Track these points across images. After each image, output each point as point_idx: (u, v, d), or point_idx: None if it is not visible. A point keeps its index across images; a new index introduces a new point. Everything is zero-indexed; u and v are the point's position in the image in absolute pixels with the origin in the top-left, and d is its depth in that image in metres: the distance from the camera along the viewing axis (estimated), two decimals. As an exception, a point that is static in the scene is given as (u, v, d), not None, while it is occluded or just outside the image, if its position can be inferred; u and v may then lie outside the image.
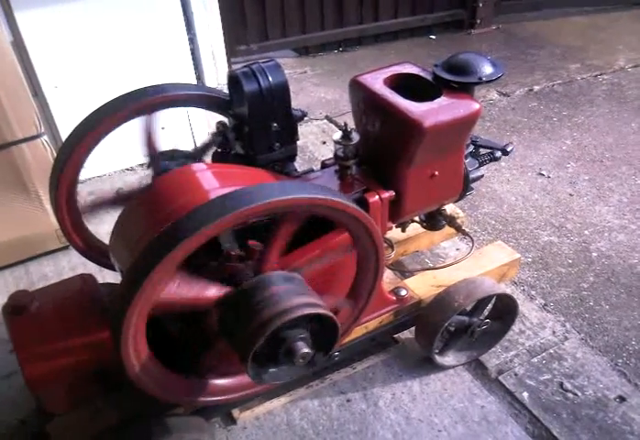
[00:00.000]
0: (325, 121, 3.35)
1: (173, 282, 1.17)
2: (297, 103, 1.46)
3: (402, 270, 2.11)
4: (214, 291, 1.23)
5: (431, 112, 1.44)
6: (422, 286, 1.82)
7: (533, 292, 2.20)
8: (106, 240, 1.50)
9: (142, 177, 2.72)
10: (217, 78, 3.44)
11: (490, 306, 1.84)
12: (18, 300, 1.46)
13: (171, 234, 1.10)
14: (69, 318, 1.44)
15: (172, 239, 1.08)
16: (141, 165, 2.93)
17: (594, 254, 2.38)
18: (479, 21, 4.42)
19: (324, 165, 1.65)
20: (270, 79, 1.39)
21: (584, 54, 4.06)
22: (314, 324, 1.22)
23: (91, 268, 1.90)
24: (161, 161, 1.51)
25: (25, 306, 1.44)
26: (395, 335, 1.93)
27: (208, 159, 1.62)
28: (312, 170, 1.64)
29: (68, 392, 1.39)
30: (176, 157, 1.55)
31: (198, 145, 1.64)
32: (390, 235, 1.92)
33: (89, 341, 1.39)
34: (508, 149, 1.78)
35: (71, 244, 1.61)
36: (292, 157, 1.55)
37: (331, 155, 1.62)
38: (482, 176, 1.77)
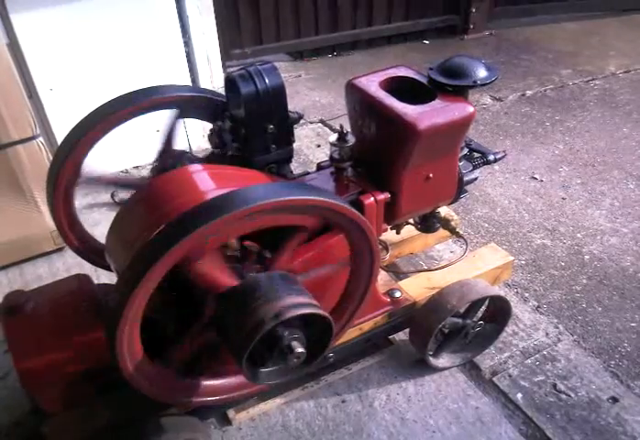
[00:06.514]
0: (320, 124, 3.37)
1: (207, 255, 1.17)
2: (292, 106, 1.47)
3: (397, 272, 2.12)
4: (228, 279, 1.24)
5: (426, 114, 1.45)
6: (416, 288, 1.83)
7: (526, 294, 2.21)
8: (102, 241, 1.51)
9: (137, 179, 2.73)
10: (212, 81, 3.44)
11: (483, 308, 1.85)
12: (14, 300, 1.46)
13: (167, 234, 1.11)
14: (64, 318, 1.44)
15: (169, 239, 1.08)
16: (136, 167, 2.94)
17: (587, 257, 2.40)
18: (472, 26, 4.46)
19: (319, 167, 1.66)
20: (267, 81, 1.40)
21: (576, 60, 4.10)
22: (308, 324, 1.23)
23: (86, 269, 1.90)
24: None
25: (20, 306, 1.44)
26: (390, 337, 1.94)
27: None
28: (307, 173, 1.65)
29: (63, 392, 1.39)
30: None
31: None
32: (384, 237, 1.92)
33: (84, 341, 1.40)
34: (497, 157, 1.80)
35: (68, 244, 1.61)
36: (288, 159, 1.55)
37: (326, 158, 1.63)
38: (476, 179, 1.78)
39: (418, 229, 1.89)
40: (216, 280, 1.22)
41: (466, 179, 1.72)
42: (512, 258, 1.99)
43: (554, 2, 4.68)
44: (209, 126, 1.59)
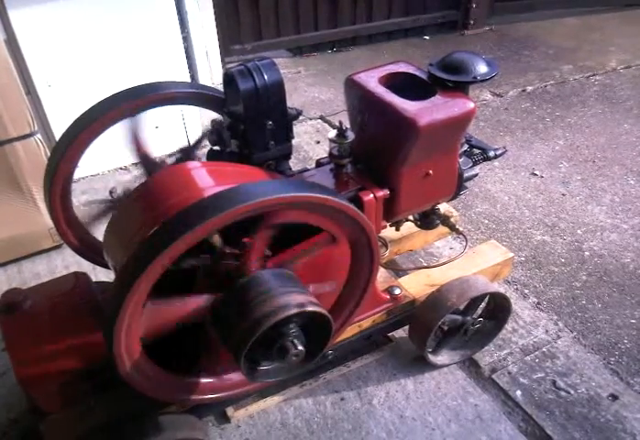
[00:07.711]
0: (320, 121, 3.36)
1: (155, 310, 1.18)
2: (291, 102, 1.46)
3: (396, 269, 2.11)
4: (204, 300, 1.24)
5: (426, 110, 1.45)
6: (415, 285, 1.83)
7: (526, 291, 2.21)
8: (100, 238, 1.50)
9: (136, 176, 2.72)
10: (212, 77, 3.44)
11: (483, 305, 1.85)
12: (11, 298, 1.45)
13: (165, 231, 1.10)
14: (61, 316, 1.44)
15: (167, 237, 1.08)
16: (135, 164, 2.93)
17: (587, 253, 2.39)
18: (472, 22, 4.45)
19: (319, 164, 1.66)
20: (266, 77, 1.39)
21: (576, 55, 4.09)
22: (307, 322, 1.22)
23: (84, 267, 1.89)
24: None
25: (18, 304, 1.44)
26: (389, 334, 1.93)
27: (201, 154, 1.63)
28: (306, 169, 1.64)
29: (60, 391, 1.38)
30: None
31: (191, 141, 1.64)
32: (384, 234, 1.92)
33: (81, 339, 1.39)
34: (497, 153, 1.79)
35: (65, 241, 1.60)
36: (287, 155, 1.55)
37: (325, 155, 1.62)
38: (476, 175, 1.77)
39: (418, 226, 1.88)
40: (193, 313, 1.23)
41: (466, 175, 1.71)
42: (511, 254, 1.98)
43: (554, -3, 4.68)
44: (207, 121, 1.58)
